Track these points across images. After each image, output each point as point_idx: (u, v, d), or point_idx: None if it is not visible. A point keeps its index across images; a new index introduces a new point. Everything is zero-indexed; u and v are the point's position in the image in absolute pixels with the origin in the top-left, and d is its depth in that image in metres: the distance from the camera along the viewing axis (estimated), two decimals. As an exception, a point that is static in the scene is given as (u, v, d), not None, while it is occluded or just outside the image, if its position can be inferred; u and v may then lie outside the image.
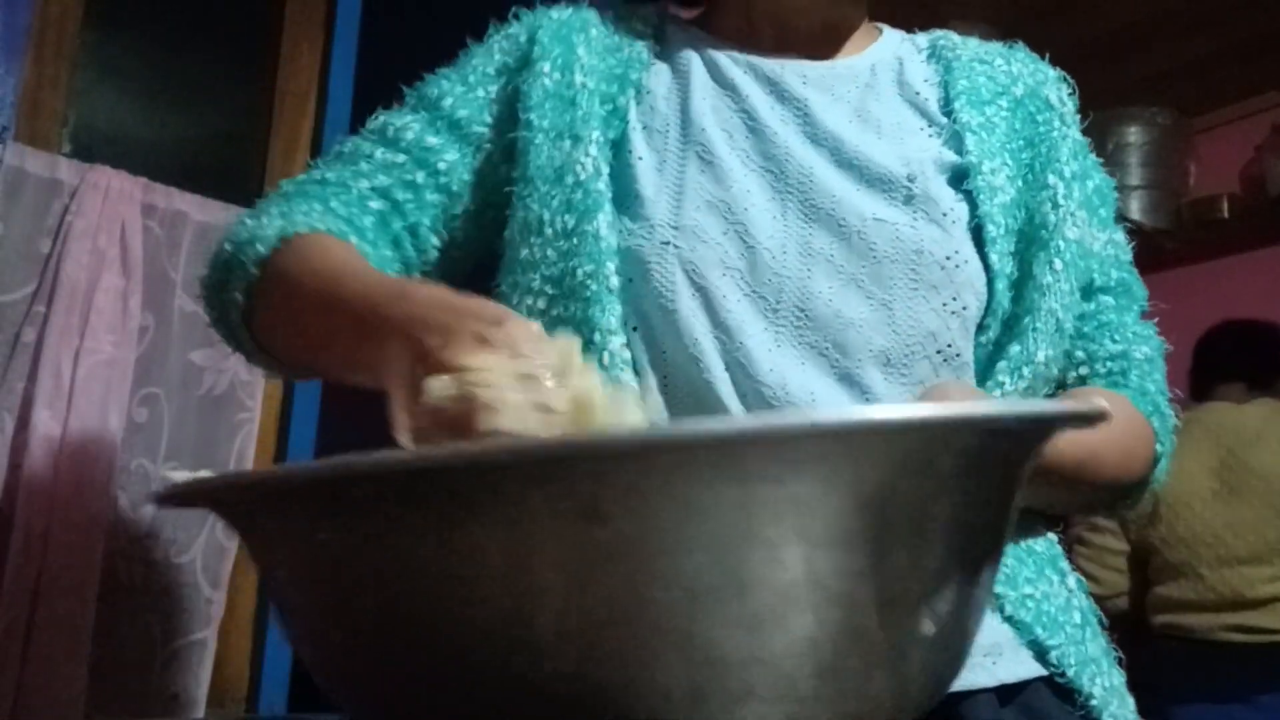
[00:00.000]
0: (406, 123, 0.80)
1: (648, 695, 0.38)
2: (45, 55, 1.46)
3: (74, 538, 1.28)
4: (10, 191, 1.34)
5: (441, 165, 0.78)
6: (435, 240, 0.80)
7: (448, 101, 0.80)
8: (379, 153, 0.79)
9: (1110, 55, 2.84)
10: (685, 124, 0.77)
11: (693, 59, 0.80)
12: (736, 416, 0.68)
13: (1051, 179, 0.77)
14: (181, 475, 0.41)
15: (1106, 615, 0.77)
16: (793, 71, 0.80)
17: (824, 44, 0.83)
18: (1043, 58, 0.87)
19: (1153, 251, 3.04)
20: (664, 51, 0.82)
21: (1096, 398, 0.43)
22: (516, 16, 0.84)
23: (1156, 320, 0.85)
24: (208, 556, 1.43)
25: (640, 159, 0.76)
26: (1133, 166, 2.99)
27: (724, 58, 0.80)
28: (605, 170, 0.74)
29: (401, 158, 0.78)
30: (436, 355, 0.49)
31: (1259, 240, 2.98)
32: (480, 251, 0.81)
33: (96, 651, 1.31)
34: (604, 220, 0.72)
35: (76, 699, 1.26)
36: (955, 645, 0.45)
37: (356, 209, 0.76)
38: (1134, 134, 3.00)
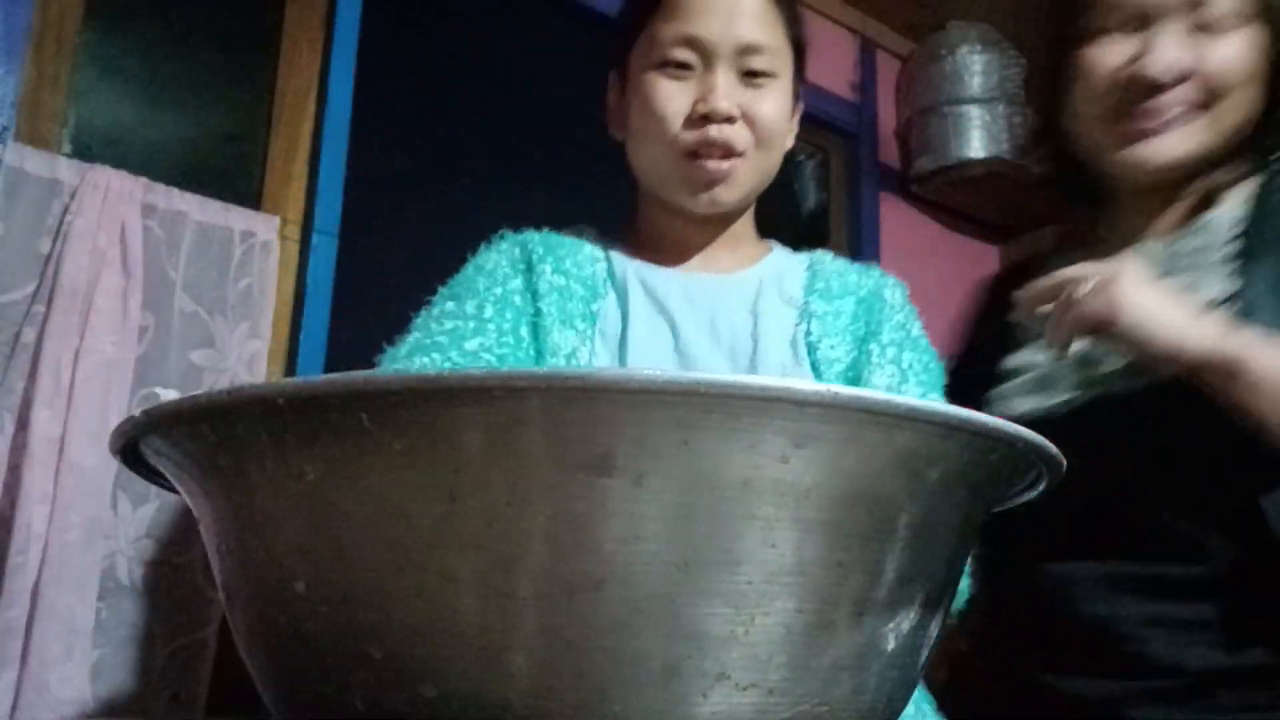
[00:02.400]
0: (479, 303, 0.93)
1: (624, 667, 0.37)
2: (45, 55, 1.46)
3: (74, 538, 1.28)
4: (10, 191, 1.34)
5: (524, 332, 0.92)
6: None
7: (497, 289, 0.94)
8: (470, 325, 0.91)
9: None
10: (625, 332, 0.93)
11: (630, 278, 0.97)
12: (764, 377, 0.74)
13: (871, 345, 0.96)
14: (170, 394, 0.40)
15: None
16: (699, 284, 0.98)
17: (707, 256, 1.01)
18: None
19: (1152, 252, 3.04)
20: (612, 270, 0.99)
21: None
22: (501, 237, 1.01)
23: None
24: (208, 557, 1.43)
25: (598, 358, 0.92)
26: None
27: (651, 276, 0.98)
28: (605, 361, 0.91)
29: (491, 326, 0.91)
30: None
31: (1258, 241, 2.98)
32: None
33: (96, 651, 1.30)
34: None
35: (76, 699, 1.26)
36: (908, 670, 0.46)
37: (473, 360, 0.88)
38: (1133, 134, 3.00)
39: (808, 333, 0.96)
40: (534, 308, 0.94)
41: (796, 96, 1.01)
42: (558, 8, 1.96)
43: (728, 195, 0.95)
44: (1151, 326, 0.78)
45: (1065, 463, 0.47)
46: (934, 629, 0.47)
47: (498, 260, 0.98)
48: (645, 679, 0.37)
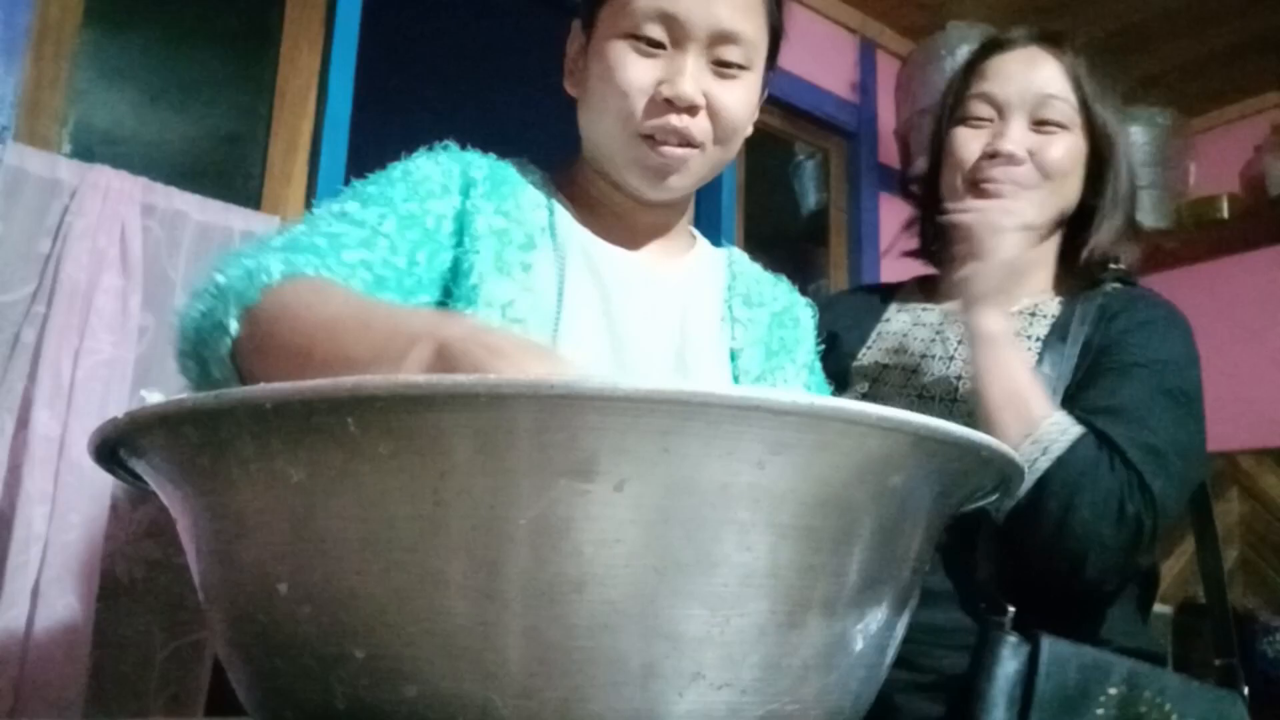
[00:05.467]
0: (383, 213, 0.85)
1: (604, 666, 0.38)
2: (45, 55, 1.47)
3: (74, 538, 1.28)
4: (10, 191, 1.35)
5: (421, 257, 0.85)
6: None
7: (413, 205, 0.87)
8: (360, 233, 0.83)
9: (1110, 55, 2.84)
10: (561, 298, 0.90)
11: (574, 242, 0.93)
12: (745, 388, 0.75)
13: (786, 364, 1.02)
14: (155, 397, 0.41)
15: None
16: (640, 269, 0.96)
17: (645, 238, 0.99)
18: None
19: (1153, 251, 3.04)
20: (554, 225, 0.94)
21: None
22: (445, 148, 0.95)
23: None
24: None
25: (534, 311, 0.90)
26: (1133, 166, 2.99)
27: (595, 247, 0.94)
28: (536, 307, 0.87)
29: (383, 241, 0.83)
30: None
31: (1259, 240, 2.98)
32: None
33: (96, 651, 1.31)
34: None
35: (76, 699, 1.26)
36: (875, 669, 0.47)
37: (348, 272, 0.79)
38: (1134, 134, 3.01)
39: (732, 337, 0.99)
40: (456, 241, 0.88)
41: (765, 85, 0.97)
42: (559, 7, 1.96)
43: (679, 183, 0.92)
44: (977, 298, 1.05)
45: (1026, 470, 0.48)
46: (900, 629, 0.48)
47: (430, 174, 0.90)
48: (624, 678, 0.38)
